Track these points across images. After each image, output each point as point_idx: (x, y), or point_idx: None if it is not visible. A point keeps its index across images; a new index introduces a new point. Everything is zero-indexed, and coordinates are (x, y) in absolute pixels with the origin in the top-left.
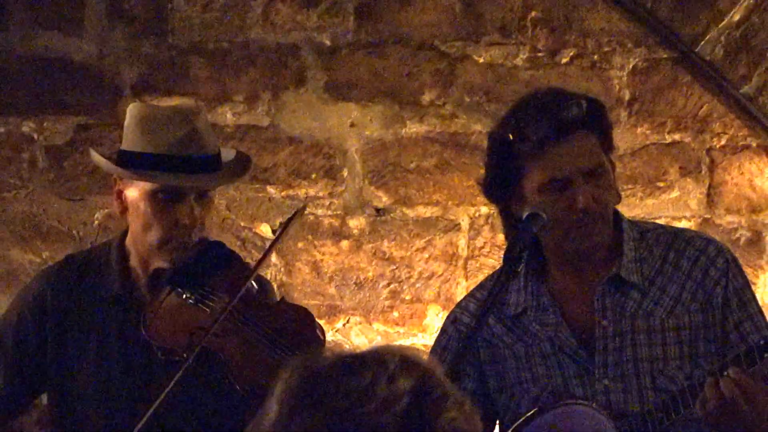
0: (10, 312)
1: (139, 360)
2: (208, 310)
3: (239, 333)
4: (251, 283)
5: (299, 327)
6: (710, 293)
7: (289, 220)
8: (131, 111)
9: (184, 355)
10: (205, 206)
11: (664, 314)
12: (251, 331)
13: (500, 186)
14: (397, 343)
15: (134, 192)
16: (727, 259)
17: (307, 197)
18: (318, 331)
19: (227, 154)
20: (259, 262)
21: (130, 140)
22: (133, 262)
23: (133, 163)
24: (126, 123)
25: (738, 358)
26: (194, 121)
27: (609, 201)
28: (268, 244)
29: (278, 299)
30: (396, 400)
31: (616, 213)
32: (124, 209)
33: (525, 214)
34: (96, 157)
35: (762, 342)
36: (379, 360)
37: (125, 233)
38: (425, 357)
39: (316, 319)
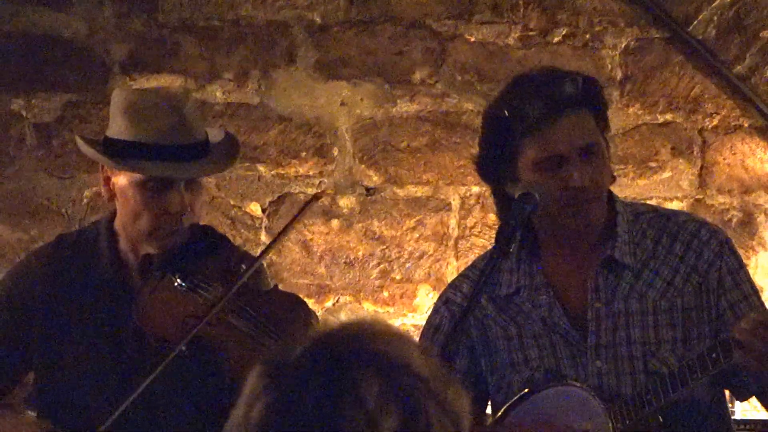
0: None
1: (130, 345)
2: (200, 299)
3: (231, 322)
4: (243, 269)
5: (292, 316)
6: (705, 276)
7: (301, 209)
8: (116, 97)
9: (178, 344)
10: (194, 192)
11: (657, 297)
12: (243, 320)
13: (495, 164)
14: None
15: (122, 180)
16: (721, 241)
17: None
18: (312, 320)
19: (216, 135)
20: (265, 250)
21: (116, 128)
22: (123, 245)
23: (119, 153)
24: (111, 109)
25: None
26: (181, 107)
27: (604, 179)
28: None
29: (271, 284)
30: None
31: (611, 194)
32: (113, 195)
33: (517, 194)
34: (82, 145)
35: None
36: (356, 391)
37: (113, 214)
38: (401, 348)
39: (309, 307)
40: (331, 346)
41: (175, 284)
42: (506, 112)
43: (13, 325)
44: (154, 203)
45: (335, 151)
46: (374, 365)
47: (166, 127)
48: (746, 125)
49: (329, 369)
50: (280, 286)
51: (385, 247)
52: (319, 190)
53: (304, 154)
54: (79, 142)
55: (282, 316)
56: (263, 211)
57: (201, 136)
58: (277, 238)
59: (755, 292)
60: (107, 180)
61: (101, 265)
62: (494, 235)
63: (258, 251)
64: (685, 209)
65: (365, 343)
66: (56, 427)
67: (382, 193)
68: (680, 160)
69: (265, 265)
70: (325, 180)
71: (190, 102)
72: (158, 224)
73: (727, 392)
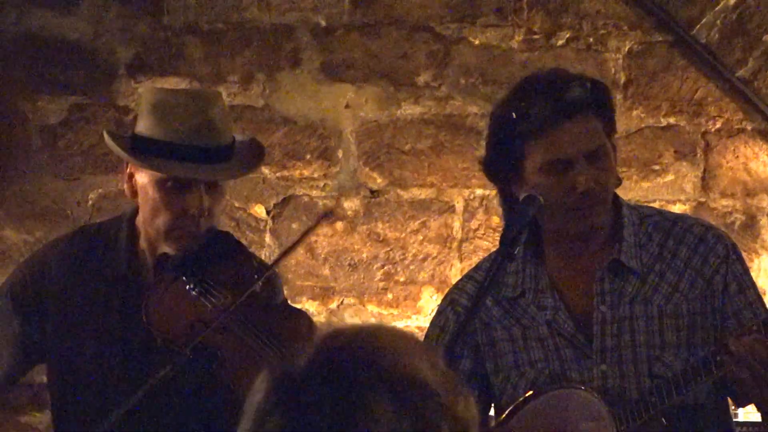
0: (12, 280)
1: (139, 342)
2: (209, 304)
3: (237, 332)
4: (255, 278)
5: (298, 333)
6: (710, 281)
7: (312, 226)
8: (147, 94)
9: (183, 347)
10: (214, 195)
11: (662, 301)
12: (249, 332)
13: (501, 166)
14: (391, 324)
15: (144, 177)
16: (727, 246)
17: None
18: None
19: (242, 140)
20: (272, 264)
21: (144, 125)
22: (142, 242)
23: (144, 150)
24: (141, 106)
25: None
26: (209, 109)
27: (610, 183)
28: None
29: (284, 294)
30: None
31: (617, 197)
32: (135, 192)
33: (522, 197)
34: (109, 141)
35: None
36: (370, 413)
37: (136, 211)
38: (412, 361)
39: (315, 324)
40: (341, 362)
41: (187, 287)
42: (513, 114)
43: (26, 316)
44: (173, 203)
45: (340, 154)
46: (386, 384)
47: (192, 128)
48: (749, 128)
49: (341, 388)
50: (285, 288)
51: (389, 249)
52: (324, 193)
53: (308, 156)
54: (106, 137)
55: (287, 333)
56: (268, 213)
57: (227, 140)
58: (288, 250)
59: (759, 298)
60: (130, 177)
61: (118, 260)
62: (498, 238)
63: (263, 253)
64: (688, 212)
65: (376, 358)
66: (67, 421)
67: (386, 196)
68: (683, 163)
69: (280, 279)
70: (330, 182)
71: (219, 104)
72: (176, 224)
73: None
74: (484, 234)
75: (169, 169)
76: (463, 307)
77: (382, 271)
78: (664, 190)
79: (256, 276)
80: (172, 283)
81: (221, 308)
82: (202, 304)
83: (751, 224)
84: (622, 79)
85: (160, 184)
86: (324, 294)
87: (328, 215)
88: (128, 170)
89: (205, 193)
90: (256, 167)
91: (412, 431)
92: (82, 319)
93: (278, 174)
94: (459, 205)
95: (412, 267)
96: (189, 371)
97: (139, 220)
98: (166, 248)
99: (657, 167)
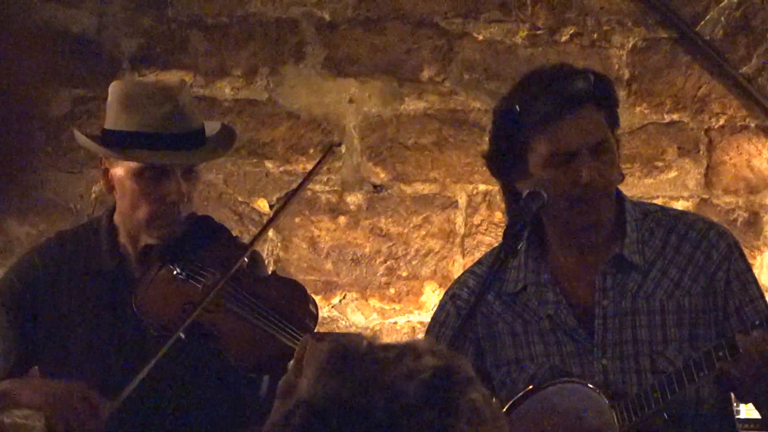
0: (2, 287)
1: (131, 336)
2: (199, 285)
3: (230, 307)
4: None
5: (291, 301)
6: (712, 277)
7: (321, 159)
8: (113, 89)
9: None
10: (191, 181)
11: (664, 297)
12: (242, 306)
13: (504, 160)
14: (393, 319)
15: (120, 170)
16: (729, 243)
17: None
18: (311, 306)
19: (212, 127)
20: (263, 229)
21: (113, 119)
22: (123, 238)
23: (117, 142)
24: (108, 101)
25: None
26: (176, 97)
27: (613, 177)
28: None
29: (269, 272)
30: (421, 372)
31: (619, 193)
32: (112, 187)
33: (525, 192)
34: (80, 137)
35: None
36: (409, 343)
37: (113, 209)
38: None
39: (309, 293)
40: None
41: (174, 273)
42: (517, 107)
43: (20, 321)
44: (151, 192)
45: (343, 148)
46: (432, 345)
47: (162, 116)
48: (753, 125)
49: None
50: None
51: (391, 244)
52: (327, 187)
53: (311, 150)
54: (77, 134)
55: (282, 301)
56: (271, 207)
57: (197, 126)
58: (295, 192)
59: (761, 295)
60: (106, 172)
61: (101, 257)
62: (501, 233)
63: (265, 247)
64: (690, 209)
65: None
66: None
67: (389, 191)
68: (686, 160)
69: (263, 255)
70: (333, 177)
71: (185, 92)
72: (156, 213)
73: None
74: (486, 229)
75: (144, 159)
76: (464, 302)
77: (384, 266)
78: (667, 186)
79: (246, 259)
80: (159, 272)
81: (211, 288)
82: (191, 286)
83: (753, 221)
84: (626, 76)
85: (137, 174)
86: (326, 288)
87: (335, 144)
88: (103, 165)
89: (182, 179)
90: (228, 149)
91: (438, 367)
92: (74, 320)
93: (281, 168)
94: (462, 201)
95: (414, 262)
96: (188, 353)
97: (117, 217)
98: (148, 239)
99: (660, 164)
